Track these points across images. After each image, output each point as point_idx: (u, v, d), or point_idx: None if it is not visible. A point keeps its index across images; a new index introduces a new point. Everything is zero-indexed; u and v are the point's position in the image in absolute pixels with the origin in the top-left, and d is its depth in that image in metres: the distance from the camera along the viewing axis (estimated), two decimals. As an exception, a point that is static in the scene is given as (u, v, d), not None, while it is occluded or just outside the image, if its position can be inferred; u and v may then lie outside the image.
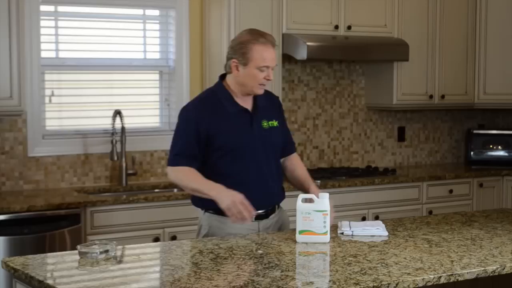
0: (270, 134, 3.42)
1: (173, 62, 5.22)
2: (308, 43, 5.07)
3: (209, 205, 3.37)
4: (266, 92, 3.50)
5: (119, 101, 5.08)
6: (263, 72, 3.30)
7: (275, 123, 3.46)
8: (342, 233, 3.31)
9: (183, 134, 3.35)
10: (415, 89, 5.81)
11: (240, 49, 3.30)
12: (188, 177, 3.32)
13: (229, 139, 3.33)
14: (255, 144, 3.37)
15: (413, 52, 5.66)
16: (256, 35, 3.30)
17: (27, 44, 4.65)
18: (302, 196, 3.22)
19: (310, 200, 3.20)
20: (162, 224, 4.56)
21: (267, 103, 3.46)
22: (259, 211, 3.38)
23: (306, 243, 3.15)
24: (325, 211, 3.17)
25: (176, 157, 3.35)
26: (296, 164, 3.60)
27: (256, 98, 3.42)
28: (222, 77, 3.44)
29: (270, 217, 3.46)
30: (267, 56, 3.28)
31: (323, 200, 3.19)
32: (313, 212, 3.16)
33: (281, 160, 3.56)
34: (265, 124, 3.42)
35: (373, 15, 5.55)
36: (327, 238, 3.18)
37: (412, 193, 5.50)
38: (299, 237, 3.18)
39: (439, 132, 6.40)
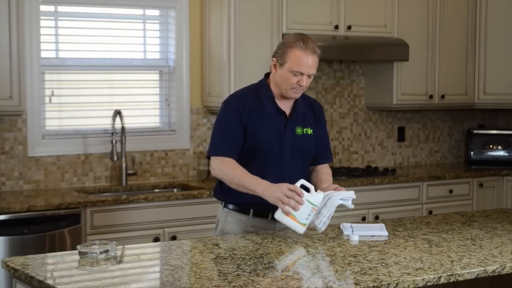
0: (301, 141, 3.41)
1: (173, 62, 5.22)
2: (308, 43, 5.06)
3: (229, 200, 3.41)
4: (310, 99, 3.53)
5: (119, 101, 5.08)
6: (296, 77, 3.29)
7: (310, 131, 3.44)
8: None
9: (226, 123, 3.36)
10: (415, 89, 5.82)
11: (281, 49, 3.33)
12: (233, 171, 3.29)
13: (259, 138, 3.35)
14: (283, 148, 3.37)
15: (413, 52, 5.66)
16: (299, 40, 3.30)
17: (27, 44, 4.65)
18: (301, 181, 3.21)
19: (307, 190, 3.20)
20: (162, 224, 4.56)
21: (307, 109, 3.46)
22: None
23: (282, 223, 3.17)
24: (315, 206, 3.18)
25: (219, 146, 3.35)
26: (323, 170, 3.53)
27: (296, 103, 3.42)
28: (267, 75, 3.45)
29: None
30: (302, 62, 3.27)
31: (317, 196, 3.20)
32: (304, 199, 3.16)
33: (311, 168, 3.53)
34: (299, 130, 3.42)
35: (373, 15, 5.55)
36: (302, 229, 3.18)
37: (412, 193, 5.50)
38: (279, 215, 3.17)
39: (439, 132, 6.40)
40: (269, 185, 3.21)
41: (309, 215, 3.18)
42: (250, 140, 3.35)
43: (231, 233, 3.40)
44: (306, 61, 3.28)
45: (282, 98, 3.39)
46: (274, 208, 3.26)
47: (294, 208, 3.15)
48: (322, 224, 3.24)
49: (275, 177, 3.34)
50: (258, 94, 3.40)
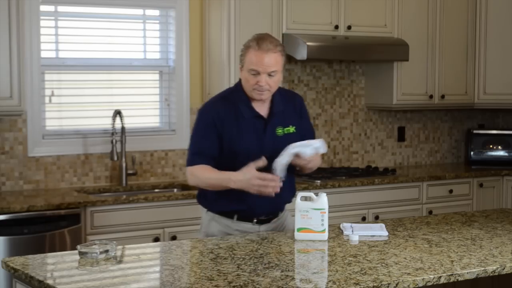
0: (283, 141, 3.35)
1: (173, 62, 5.22)
2: (308, 43, 5.07)
3: (213, 208, 3.40)
4: (288, 94, 3.51)
5: (119, 101, 5.08)
6: (254, 77, 3.26)
7: (292, 129, 3.41)
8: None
9: (200, 133, 3.35)
10: (415, 89, 5.82)
11: (242, 52, 3.33)
12: (204, 173, 3.29)
13: (238, 145, 3.31)
14: (264, 152, 3.31)
15: (413, 52, 5.66)
16: (254, 40, 3.29)
17: (27, 44, 4.65)
18: (301, 194, 3.23)
19: (309, 198, 3.21)
20: (162, 224, 4.56)
21: (285, 107, 3.42)
22: (261, 217, 3.40)
23: (305, 241, 3.17)
24: (323, 209, 3.19)
25: (194, 156, 3.34)
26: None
27: (273, 103, 3.38)
28: None
29: (272, 221, 3.45)
30: (256, 61, 3.23)
31: (321, 199, 3.20)
32: (311, 210, 3.18)
33: None
34: (280, 131, 3.38)
35: (373, 15, 5.55)
36: (325, 236, 3.20)
37: (412, 193, 5.50)
38: (297, 235, 3.20)
39: (439, 132, 6.40)
40: (239, 179, 3.19)
41: (322, 219, 3.19)
42: (229, 148, 3.31)
43: (215, 236, 3.37)
44: (260, 60, 3.23)
45: (257, 101, 3.35)
46: (259, 213, 3.34)
47: (275, 190, 3.14)
48: (278, 171, 3.20)
49: None
50: (234, 100, 3.36)
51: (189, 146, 3.40)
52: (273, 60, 3.26)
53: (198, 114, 3.40)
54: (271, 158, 3.29)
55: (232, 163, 3.29)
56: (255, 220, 3.39)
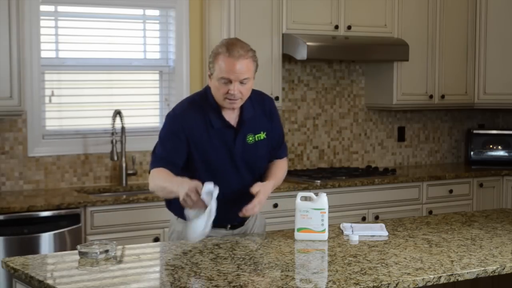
0: (254, 149, 3.27)
1: (173, 62, 5.22)
2: (308, 43, 5.07)
3: (180, 213, 3.29)
4: (258, 97, 3.33)
5: (119, 101, 5.08)
6: (226, 85, 3.09)
7: (263, 135, 3.29)
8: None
9: (167, 141, 3.22)
10: (415, 89, 5.82)
11: (211, 58, 3.17)
12: (159, 175, 3.17)
13: (208, 155, 3.21)
14: (234, 162, 3.24)
15: (413, 52, 5.66)
16: (223, 46, 3.13)
17: (27, 44, 4.65)
18: (300, 194, 3.23)
19: (309, 198, 3.21)
20: (162, 224, 4.56)
21: (256, 112, 3.28)
22: (234, 223, 3.34)
23: (305, 241, 3.17)
24: (323, 209, 3.19)
25: (155, 162, 3.23)
26: (275, 164, 3.38)
27: (243, 110, 3.24)
28: None
29: (245, 223, 3.40)
30: (227, 69, 3.07)
31: (321, 199, 3.21)
32: (311, 210, 3.18)
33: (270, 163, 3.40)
34: (251, 138, 3.26)
35: (373, 15, 5.55)
36: (325, 236, 3.20)
37: (412, 193, 5.50)
38: (297, 235, 3.20)
39: (439, 132, 6.40)
40: (181, 185, 3.04)
41: (322, 220, 3.20)
42: (198, 157, 3.20)
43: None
44: (231, 67, 3.06)
45: (227, 109, 3.20)
46: (231, 219, 3.25)
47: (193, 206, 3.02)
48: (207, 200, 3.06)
49: (229, 188, 3.17)
50: (203, 106, 3.21)
51: (153, 150, 3.28)
52: (244, 67, 3.09)
53: (166, 119, 3.27)
54: (242, 167, 3.24)
55: (202, 173, 3.18)
56: (229, 226, 3.34)
